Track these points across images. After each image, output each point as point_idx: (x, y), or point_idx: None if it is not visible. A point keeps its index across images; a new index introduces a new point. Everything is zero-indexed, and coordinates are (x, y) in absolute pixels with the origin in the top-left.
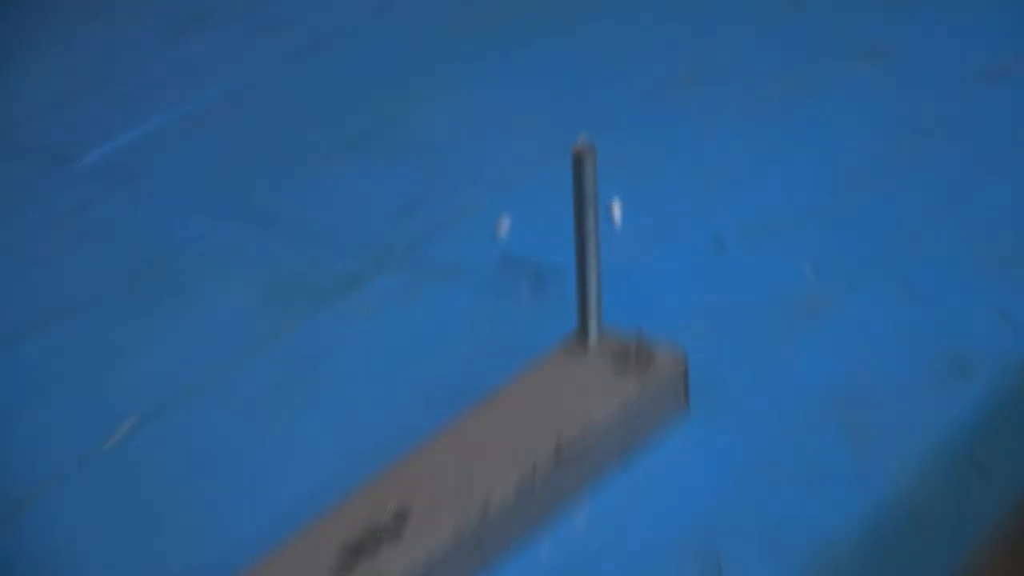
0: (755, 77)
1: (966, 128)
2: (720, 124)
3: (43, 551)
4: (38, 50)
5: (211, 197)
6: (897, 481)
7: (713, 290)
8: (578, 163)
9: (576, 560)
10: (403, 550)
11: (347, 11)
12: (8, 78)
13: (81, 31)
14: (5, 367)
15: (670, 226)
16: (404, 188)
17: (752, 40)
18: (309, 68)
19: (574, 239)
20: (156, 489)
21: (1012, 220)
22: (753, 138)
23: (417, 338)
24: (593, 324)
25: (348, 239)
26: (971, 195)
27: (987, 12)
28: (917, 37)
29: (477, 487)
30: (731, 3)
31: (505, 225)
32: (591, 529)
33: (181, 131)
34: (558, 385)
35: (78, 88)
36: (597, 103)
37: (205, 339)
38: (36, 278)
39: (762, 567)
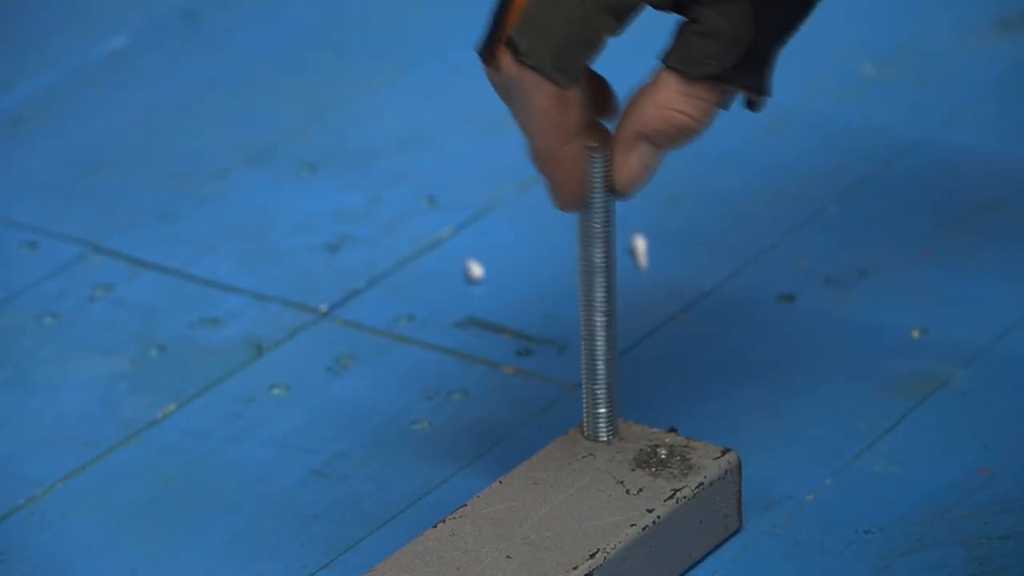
0: (836, 52)
1: None
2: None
3: None
4: None
5: (53, 221)
6: None
7: (782, 365)
8: None
9: None
10: None
11: None
12: None
13: None
14: None
15: (718, 267)
16: (330, 213)
17: None
18: (189, 38)
19: (579, 287)
20: None
21: None
22: (838, 136)
23: (350, 425)
24: (605, 413)
25: (250, 284)
26: None
27: None
28: None
29: None
30: None
31: (477, 269)
32: None
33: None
34: (555, 496)
35: None
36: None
37: (59, 426)
38: None
39: None
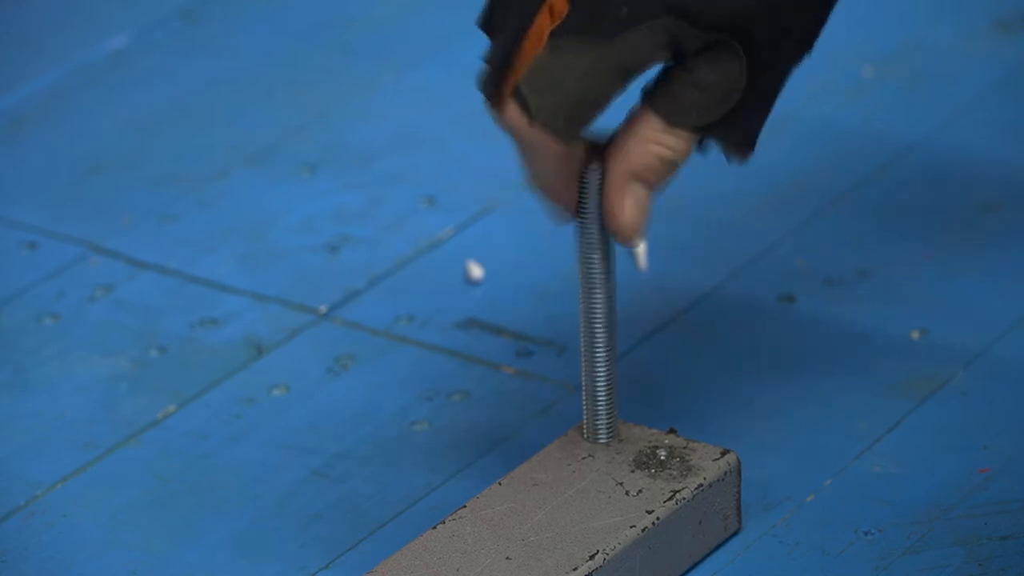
0: (836, 54)
1: None
2: (788, 127)
3: None
4: None
5: (53, 221)
6: None
7: (782, 366)
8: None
9: None
10: None
11: None
12: None
13: None
14: None
15: (718, 267)
16: (330, 213)
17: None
18: (189, 38)
19: (580, 292)
20: None
21: None
22: (838, 138)
23: (350, 426)
24: (605, 415)
25: (250, 284)
26: None
27: None
28: None
29: None
30: None
31: (477, 270)
32: None
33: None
34: (555, 498)
35: None
36: None
37: (59, 427)
38: None
39: None
